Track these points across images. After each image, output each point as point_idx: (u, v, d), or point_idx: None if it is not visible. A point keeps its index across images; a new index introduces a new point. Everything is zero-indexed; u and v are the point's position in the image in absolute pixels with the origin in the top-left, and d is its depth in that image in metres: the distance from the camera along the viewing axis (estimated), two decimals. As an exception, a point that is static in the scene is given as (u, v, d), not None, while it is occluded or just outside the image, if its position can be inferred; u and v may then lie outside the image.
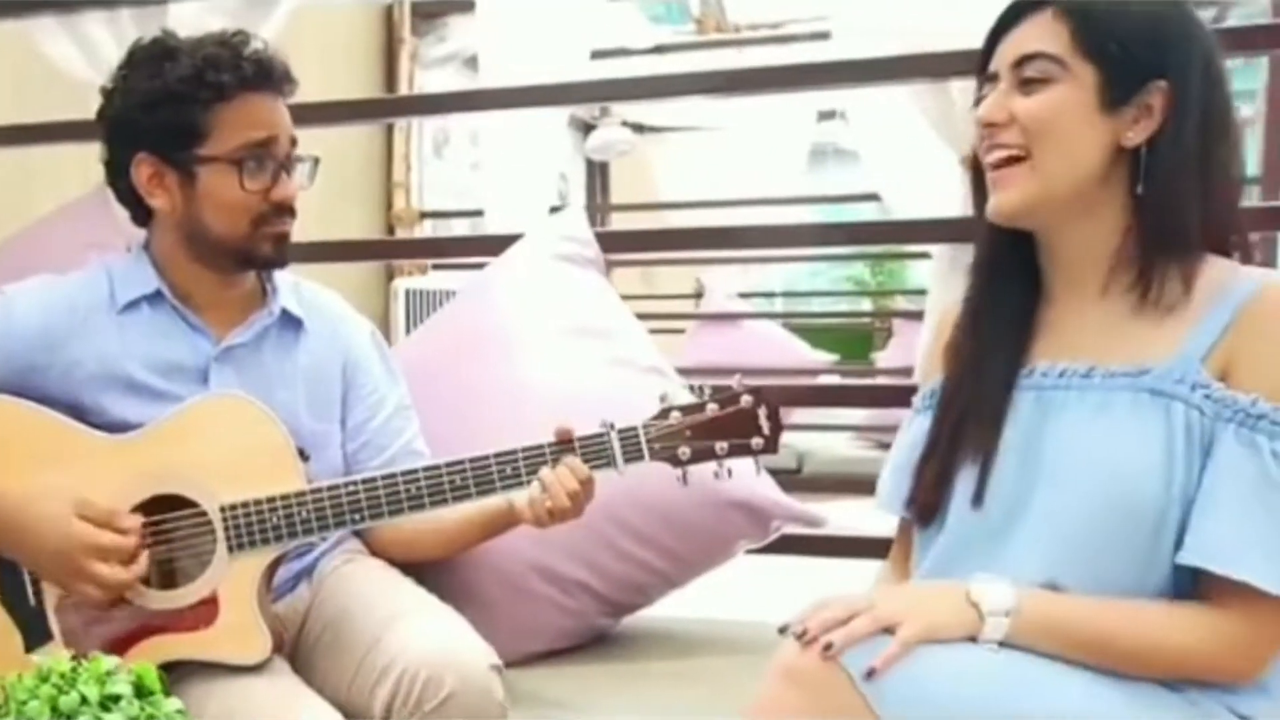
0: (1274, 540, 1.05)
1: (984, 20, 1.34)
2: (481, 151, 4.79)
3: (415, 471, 1.46)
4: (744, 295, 6.63)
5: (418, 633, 1.41)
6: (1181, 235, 1.14)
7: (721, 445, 1.46)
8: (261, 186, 1.53)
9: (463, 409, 1.82)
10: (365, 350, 1.69)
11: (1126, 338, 1.16)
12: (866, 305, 8.61)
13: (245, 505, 1.44)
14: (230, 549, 1.44)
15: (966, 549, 1.20)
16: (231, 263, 1.58)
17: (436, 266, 4.42)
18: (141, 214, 1.61)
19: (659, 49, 5.33)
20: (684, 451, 1.46)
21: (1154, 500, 1.09)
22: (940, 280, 2.03)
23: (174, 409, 1.49)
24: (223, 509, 1.44)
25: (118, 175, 1.58)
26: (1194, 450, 1.09)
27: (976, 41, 1.23)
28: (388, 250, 3.49)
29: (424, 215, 4.61)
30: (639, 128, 6.05)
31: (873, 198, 4.72)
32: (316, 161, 1.61)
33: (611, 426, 1.47)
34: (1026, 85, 1.17)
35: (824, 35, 4.37)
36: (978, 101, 1.24)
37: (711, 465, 1.47)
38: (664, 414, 1.47)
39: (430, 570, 1.64)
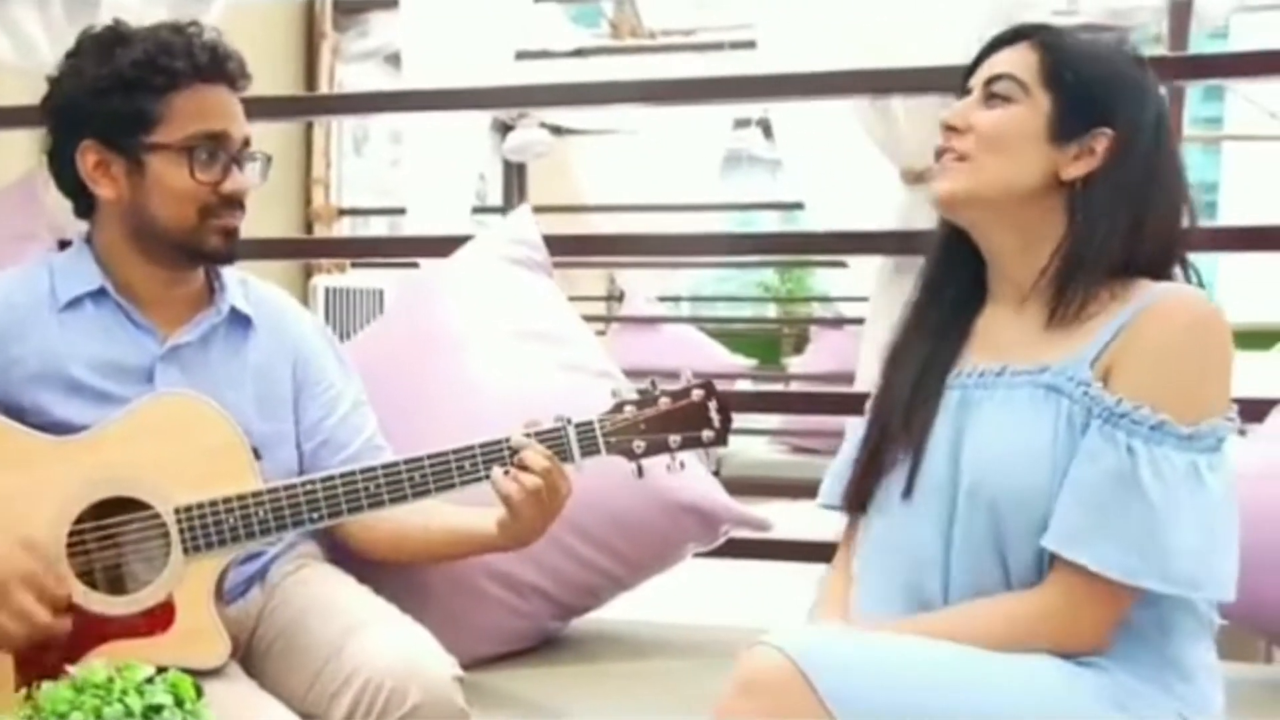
0: (1116, 527, 1.15)
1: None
2: (402, 149, 4.75)
3: (374, 469, 1.45)
4: (662, 299, 6.67)
5: (382, 643, 1.40)
6: (1099, 265, 1.24)
7: (674, 438, 1.48)
8: (212, 178, 1.50)
9: (411, 411, 1.80)
10: (316, 347, 1.67)
11: (1037, 343, 1.26)
12: (771, 311, 8.75)
13: (201, 506, 1.41)
14: (186, 551, 1.41)
15: (899, 542, 1.29)
16: (178, 256, 1.54)
17: (355, 264, 4.36)
18: (85, 205, 1.56)
19: (580, 52, 5.34)
20: (638, 445, 1.47)
21: (1044, 482, 1.19)
22: (882, 289, 2.07)
23: (123, 409, 1.45)
24: (177, 511, 1.41)
25: (62, 164, 1.53)
26: (1074, 441, 1.19)
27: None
28: (315, 249, 3.43)
29: (343, 212, 4.55)
30: (557, 129, 6.05)
31: (795, 206, 4.79)
32: (269, 160, 1.59)
33: (568, 421, 1.47)
34: (990, 100, 1.28)
35: (749, 44, 4.43)
36: None
37: (664, 460, 1.49)
38: (618, 408, 1.49)
39: (384, 574, 1.62)
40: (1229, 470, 1.18)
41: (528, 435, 1.46)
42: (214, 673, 1.39)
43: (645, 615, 1.96)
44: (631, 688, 1.68)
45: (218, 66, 1.50)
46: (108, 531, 1.41)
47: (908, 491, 1.27)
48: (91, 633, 1.38)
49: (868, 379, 2.09)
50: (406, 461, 1.45)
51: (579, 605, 1.82)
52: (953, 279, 1.35)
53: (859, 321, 4.50)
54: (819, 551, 2.09)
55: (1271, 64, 1.96)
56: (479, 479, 1.46)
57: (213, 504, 1.41)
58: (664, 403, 1.49)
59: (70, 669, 1.02)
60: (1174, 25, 4.62)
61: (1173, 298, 1.21)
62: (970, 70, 1.33)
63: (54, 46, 2.21)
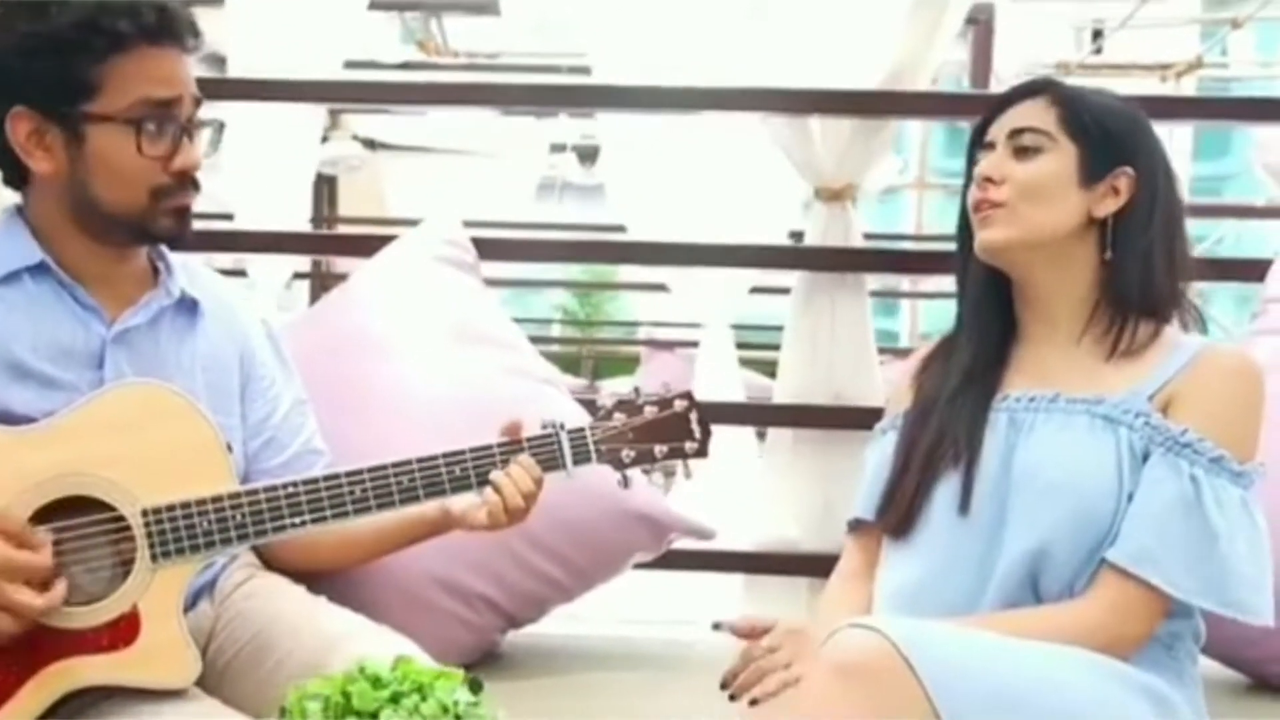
0: (1183, 550, 1.25)
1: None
2: (223, 154, 4.50)
3: (360, 472, 1.37)
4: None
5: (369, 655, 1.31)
6: (1149, 297, 1.35)
7: (660, 448, 1.48)
8: (161, 152, 1.36)
9: (338, 411, 1.71)
10: (260, 340, 1.56)
11: (1089, 375, 1.35)
12: (555, 331, 8.78)
13: (171, 509, 1.29)
14: (154, 557, 1.28)
15: (956, 555, 1.32)
16: (126, 237, 1.40)
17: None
18: (15, 175, 1.40)
19: (407, 65, 5.23)
20: (627, 454, 1.46)
21: (1107, 507, 1.28)
22: (800, 308, 2.12)
23: (83, 399, 1.31)
24: (145, 513, 1.28)
25: None
26: (1137, 468, 1.29)
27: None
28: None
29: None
30: (370, 144, 5.90)
31: (617, 228, 4.82)
32: (222, 127, 1.47)
33: (561, 427, 1.44)
34: (1021, 153, 1.37)
35: (584, 70, 4.46)
36: (971, 164, 1.42)
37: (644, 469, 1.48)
38: (607, 415, 1.47)
39: (330, 584, 1.53)
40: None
41: (519, 441, 1.42)
42: (180, 692, 1.28)
43: (572, 629, 1.93)
44: (587, 699, 1.65)
45: (167, 26, 1.35)
46: (65, 535, 1.26)
47: (964, 507, 1.32)
48: (47, 647, 1.24)
49: (787, 392, 2.15)
50: (394, 466, 1.38)
51: (524, 616, 1.77)
52: (989, 311, 1.43)
53: (692, 345, 4.60)
54: (748, 562, 2.13)
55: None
56: (468, 487, 1.40)
57: (185, 506, 1.29)
58: (650, 412, 1.48)
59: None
60: (975, 81, 5.01)
61: (1227, 349, 1.36)
62: (983, 125, 1.42)
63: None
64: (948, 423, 1.37)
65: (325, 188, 5.97)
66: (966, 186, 1.43)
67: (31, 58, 1.33)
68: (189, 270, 1.51)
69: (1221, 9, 7.90)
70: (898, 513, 1.37)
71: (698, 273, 3.86)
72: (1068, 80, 1.49)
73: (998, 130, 1.40)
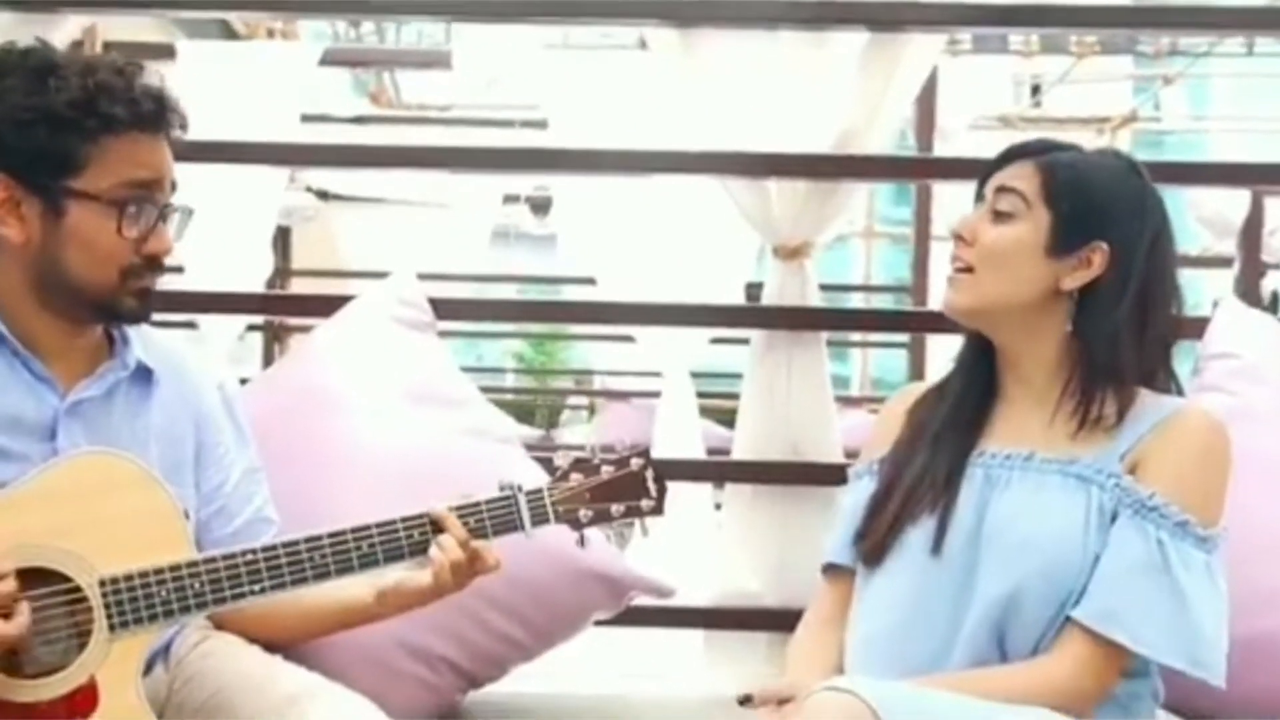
0: (1150, 608, 1.27)
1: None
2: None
3: (319, 538, 1.37)
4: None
5: (333, 714, 1.31)
6: (1116, 370, 1.36)
7: (617, 507, 1.48)
8: (138, 234, 1.37)
9: (293, 474, 1.70)
10: (214, 406, 1.55)
11: (1063, 438, 1.36)
12: (511, 380, 8.79)
13: (129, 578, 1.28)
14: (112, 627, 1.27)
15: (928, 598, 1.34)
16: (88, 313, 1.41)
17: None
18: None
19: (361, 119, 5.25)
20: (585, 514, 1.46)
21: (1074, 563, 1.30)
22: (757, 361, 2.15)
23: (37, 469, 1.31)
24: (102, 582, 1.27)
25: None
26: (1105, 526, 1.31)
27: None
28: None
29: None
30: (324, 194, 5.89)
31: (587, 281, 4.84)
32: (190, 213, 1.48)
33: (518, 489, 1.45)
34: (997, 216, 1.38)
35: (539, 124, 4.51)
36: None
37: (604, 530, 1.49)
38: (564, 476, 1.47)
39: (283, 649, 1.52)
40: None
41: (477, 504, 1.42)
42: (131, 759, 1.26)
43: (533, 687, 1.92)
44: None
45: (161, 116, 1.38)
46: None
47: (937, 547, 1.33)
48: (3, 721, 1.23)
49: (745, 446, 2.17)
50: (354, 531, 1.38)
51: (484, 676, 1.77)
52: (974, 369, 1.44)
53: (653, 395, 4.62)
54: (707, 618, 2.14)
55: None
56: (426, 550, 1.40)
57: (143, 575, 1.29)
58: (606, 471, 1.48)
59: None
60: (920, 134, 5.12)
61: (1195, 413, 1.37)
62: (985, 177, 1.43)
63: None
64: (927, 468, 1.38)
65: (279, 238, 5.94)
66: None
67: (22, 129, 1.34)
68: (144, 336, 1.51)
69: (1154, 66, 8.16)
70: (873, 541, 1.38)
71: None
72: (1024, 136, 1.50)
73: (991, 185, 1.40)
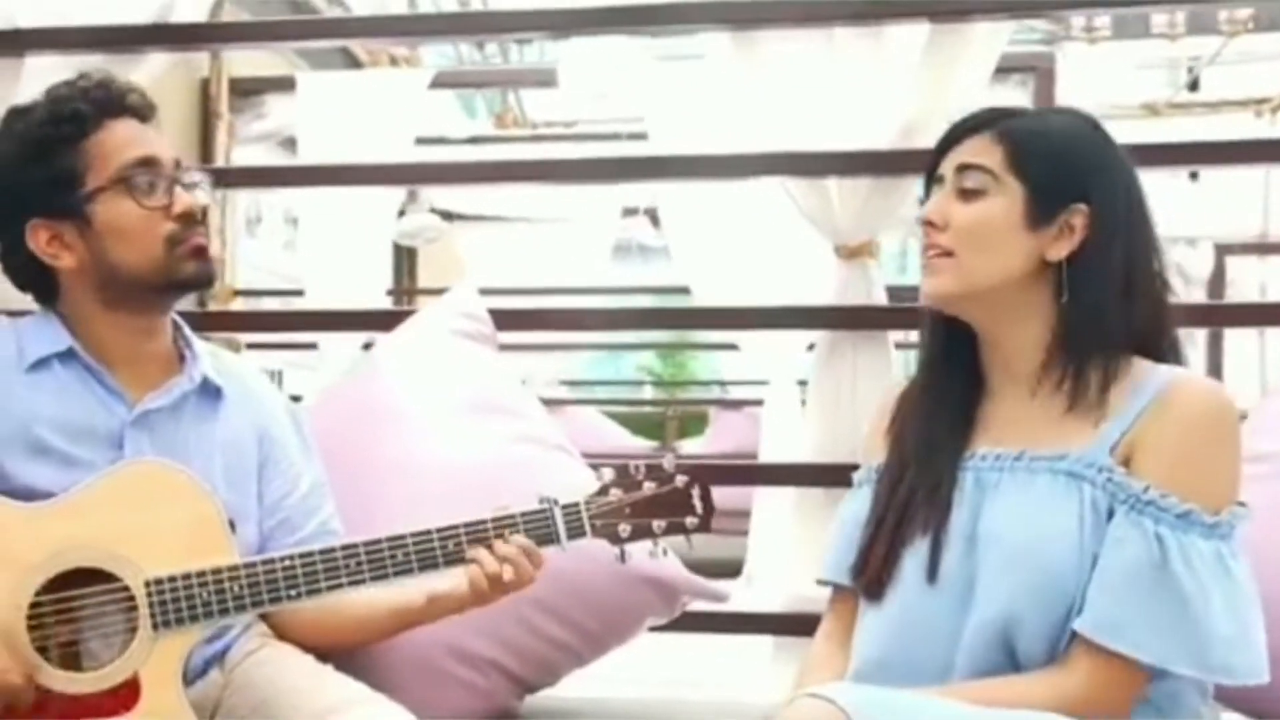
0: (1152, 615, 1.19)
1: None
2: (297, 231, 4.70)
3: (355, 545, 1.42)
4: (564, 383, 6.68)
5: None
6: (1103, 340, 1.27)
7: (659, 523, 1.49)
8: (159, 203, 1.46)
9: (355, 484, 1.77)
10: (282, 423, 1.63)
11: (1052, 429, 1.29)
12: (648, 394, 8.84)
13: (173, 579, 1.36)
14: (155, 626, 1.35)
15: (922, 625, 1.29)
16: (155, 295, 1.50)
17: (251, 346, 4.26)
18: (45, 288, 1.52)
19: (476, 140, 5.38)
20: (624, 529, 1.47)
21: (1069, 572, 1.22)
22: (822, 365, 2.12)
23: (94, 476, 1.40)
24: (147, 584, 1.35)
25: (12, 254, 1.49)
26: (1099, 525, 1.23)
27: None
28: (231, 322, 3.36)
29: (237, 293, 4.45)
30: (447, 215, 6.05)
31: (681, 290, 4.87)
32: (210, 179, 1.55)
33: (555, 502, 1.47)
34: (965, 194, 1.30)
35: (641, 136, 4.55)
36: (924, 201, 1.37)
37: (647, 546, 1.49)
38: (604, 490, 1.48)
39: (343, 654, 1.57)
40: (1245, 556, 1.23)
41: (512, 517, 1.45)
42: (178, 757, 1.33)
43: (596, 692, 1.94)
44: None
45: (117, 101, 1.48)
46: (72, 604, 1.34)
47: (932, 575, 1.28)
48: (50, 712, 1.32)
49: (813, 450, 2.15)
50: (389, 540, 1.42)
51: (537, 682, 1.79)
52: (952, 364, 1.37)
53: (758, 403, 4.60)
54: (775, 623, 2.12)
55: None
56: (461, 560, 1.43)
57: (185, 577, 1.36)
58: (648, 486, 1.49)
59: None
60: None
61: (1191, 385, 1.25)
62: (936, 158, 1.36)
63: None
64: (916, 486, 1.33)
65: (405, 259, 6.14)
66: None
67: (21, 171, 1.46)
68: (215, 357, 1.60)
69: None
70: (870, 576, 1.34)
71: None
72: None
73: (947, 165, 1.33)
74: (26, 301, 1.56)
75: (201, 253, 1.49)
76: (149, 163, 1.46)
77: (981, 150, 1.30)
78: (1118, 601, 1.19)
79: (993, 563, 1.25)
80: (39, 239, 1.46)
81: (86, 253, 1.46)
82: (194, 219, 1.48)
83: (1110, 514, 1.22)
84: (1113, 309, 1.27)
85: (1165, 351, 1.31)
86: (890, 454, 1.40)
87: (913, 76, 2.09)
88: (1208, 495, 1.21)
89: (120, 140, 1.46)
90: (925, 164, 1.96)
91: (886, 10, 2.08)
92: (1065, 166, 1.29)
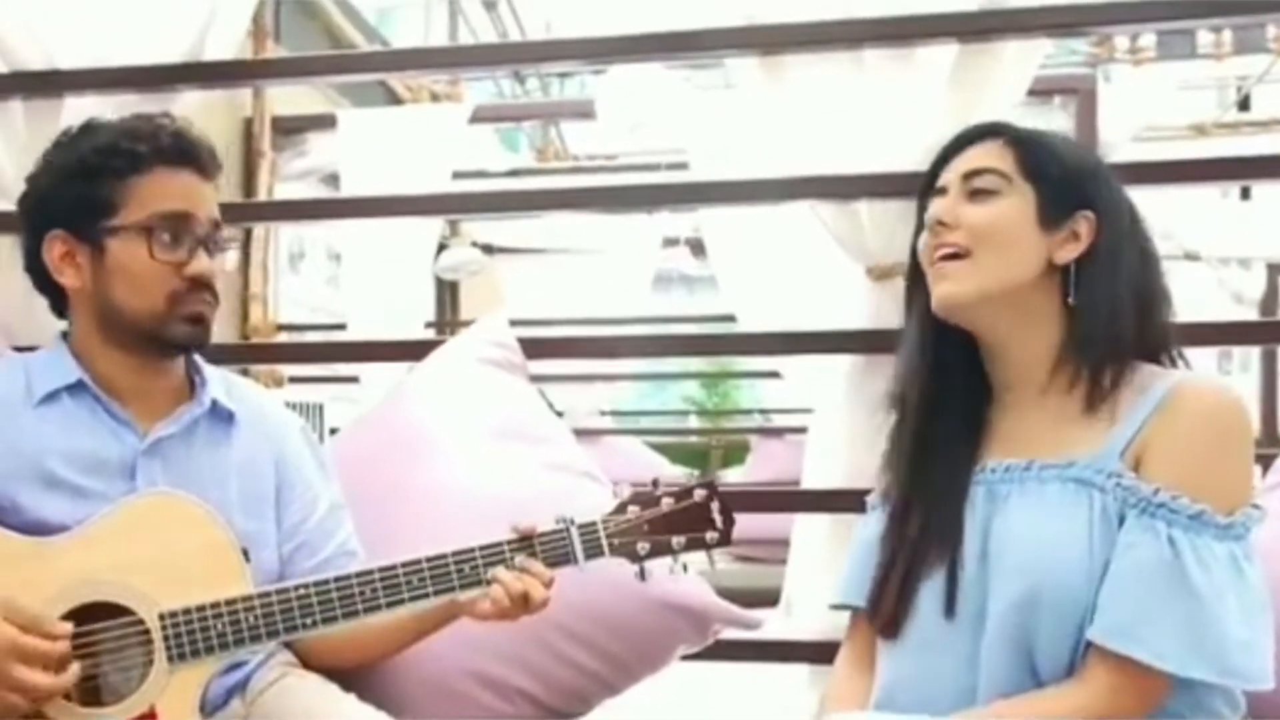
0: (1168, 620, 1.15)
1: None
2: (338, 266, 4.74)
3: (370, 572, 1.41)
4: (604, 413, 6.67)
5: None
6: (1114, 342, 1.26)
7: (678, 540, 1.46)
8: (175, 259, 1.46)
9: (388, 512, 1.76)
10: (297, 446, 1.63)
11: (1060, 435, 1.27)
12: (693, 424, 8.81)
13: (187, 612, 1.35)
14: (171, 659, 1.34)
15: (943, 655, 1.26)
16: (147, 346, 1.50)
17: (293, 380, 4.30)
18: (57, 300, 1.53)
19: (515, 172, 5.42)
20: (642, 546, 1.45)
21: (1079, 580, 1.19)
22: (854, 389, 2.09)
23: (106, 509, 1.40)
24: (162, 617, 1.34)
25: (33, 258, 1.50)
26: (1110, 531, 1.20)
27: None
28: (272, 354, 3.38)
29: (280, 328, 4.49)
30: (488, 248, 6.09)
31: (727, 318, 4.86)
32: (240, 244, 1.57)
33: (571, 522, 1.45)
34: (975, 195, 1.30)
35: (682, 165, 4.55)
36: (922, 212, 1.36)
37: (666, 563, 1.47)
38: (621, 509, 1.47)
39: (366, 681, 1.56)
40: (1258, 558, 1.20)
41: (529, 538, 1.43)
42: (198, 789, 1.32)
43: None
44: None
45: (182, 151, 1.48)
46: (87, 638, 1.33)
47: (949, 610, 1.26)
48: (71, 747, 1.30)
49: (845, 475, 2.11)
50: (404, 565, 1.41)
51: (567, 710, 1.77)
52: (952, 378, 1.35)
53: (801, 430, 4.55)
54: (808, 651, 2.08)
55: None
56: (478, 584, 1.42)
57: (200, 609, 1.35)
58: (666, 503, 1.47)
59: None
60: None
61: (1199, 385, 1.24)
62: (935, 168, 1.36)
63: (13, 154, 2.19)
64: (929, 512, 1.30)
65: (448, 292, 6.18)
66: (917, 235, 1.36)
67: (63, 185, 1.47)
68: (228, 382, 1.60)
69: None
70: (885, 615, 1.32)
71: (807, 356, 3.82)
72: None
73: (950, 174, 1.33)
74: (37, 338, 1.57)
75: (199, 320, 1.49)
76: (180, 218, 1.46)
77: (992, 155, 1.32)
78: (1131, 605, 1.16)
79: (1004, 577, 1.23)
80: (54, 250, 1.48)
81: (92, 281, 1.47)
82: (204, 284, 1.48)
83: (1121, 520, 1.20)
84: (1123, 311, 1.27)
85: (1169, 363, 1.30)
86: (895, 478, 1.37)
87: (943, 98, 2.07)
88: (1220, 496, 1.18)
89: (161, 190, 1.46)
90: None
91: (914, 30, 2.06)
92: (1072, 174, 1.31)
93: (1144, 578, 1.16)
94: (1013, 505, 1.26)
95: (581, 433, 6.16)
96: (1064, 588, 1.19)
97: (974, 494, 1.29)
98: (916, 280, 1.37)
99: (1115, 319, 1.26)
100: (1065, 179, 1.29)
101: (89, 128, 1.51)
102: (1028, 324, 1.30)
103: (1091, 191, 1.30)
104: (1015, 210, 1.29)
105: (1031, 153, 1.30)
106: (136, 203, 1.45)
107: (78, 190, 1.45)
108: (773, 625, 2.08)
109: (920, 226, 1.35)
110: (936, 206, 1.32)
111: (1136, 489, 1.20)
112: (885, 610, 1.31)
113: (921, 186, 1.38)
